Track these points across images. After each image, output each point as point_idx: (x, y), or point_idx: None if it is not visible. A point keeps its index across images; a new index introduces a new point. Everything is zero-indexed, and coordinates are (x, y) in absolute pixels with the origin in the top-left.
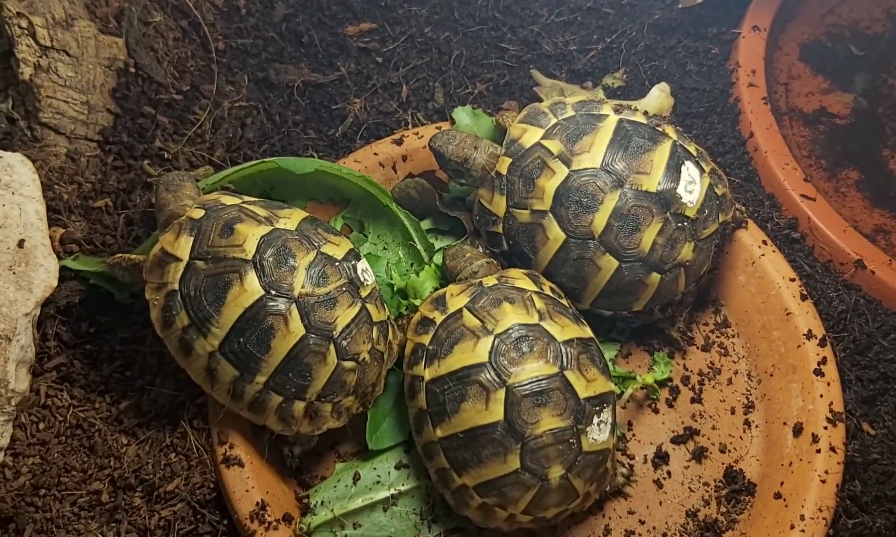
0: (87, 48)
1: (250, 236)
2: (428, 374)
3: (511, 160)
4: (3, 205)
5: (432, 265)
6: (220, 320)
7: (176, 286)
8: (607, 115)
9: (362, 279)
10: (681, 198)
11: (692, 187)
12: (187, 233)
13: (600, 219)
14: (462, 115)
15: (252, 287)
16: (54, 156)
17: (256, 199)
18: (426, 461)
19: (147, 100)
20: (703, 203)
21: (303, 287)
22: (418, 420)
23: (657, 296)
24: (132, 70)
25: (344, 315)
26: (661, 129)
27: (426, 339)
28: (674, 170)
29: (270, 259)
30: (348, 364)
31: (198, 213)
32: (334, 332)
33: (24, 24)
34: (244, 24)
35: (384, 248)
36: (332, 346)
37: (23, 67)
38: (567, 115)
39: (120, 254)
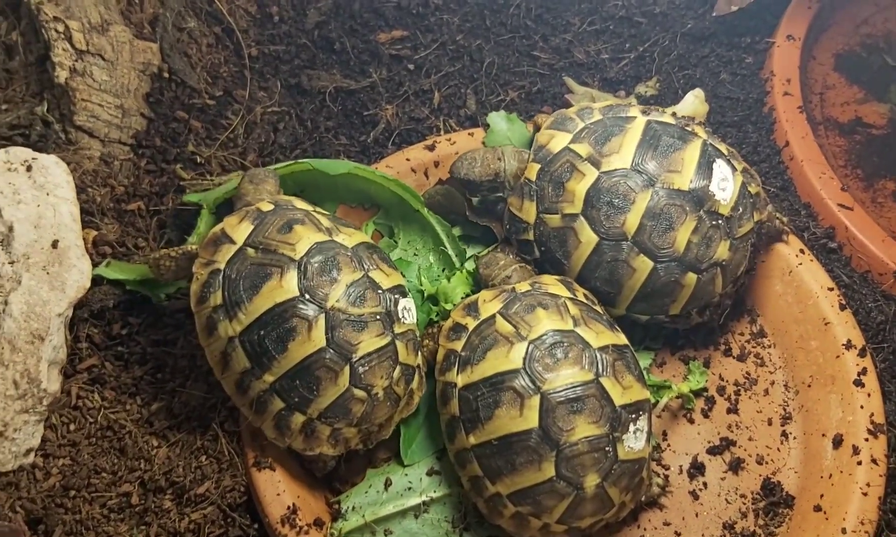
0: (122, 53)
1: (304, 238)
2: (461, 381)
3: (540, 166)
4: (38, 206)
5: (464, 271)
6: (249, 308)
7: (222, 266)
8: (635, 117)
9: (401, 315)
10: (714, 195)
11: (725, 185)
12: (249, 220)
13: (633, 220)
14: (497, 119)
15: (289, 285)
16: (88, 160)
17: (326, 212)
18: (458, 469)
19: (180, 104)
20: (736, 201)
21: (337, 301)
22: (451, 427)
23: (694, 298)
24: (166, 75)
25: (369, 342)
26: (690, 129)
27: (458, 345)
28: (705, 167)
29: (316, 265)
30: (359, 392)
31: (267, 207)
32: (354, 355)
33: (60, 28)
34: (277, 31)
35: (415, 254)
36: (347, 368)
37: (58, 71)
38: (594, 118)
39: (166, 249)
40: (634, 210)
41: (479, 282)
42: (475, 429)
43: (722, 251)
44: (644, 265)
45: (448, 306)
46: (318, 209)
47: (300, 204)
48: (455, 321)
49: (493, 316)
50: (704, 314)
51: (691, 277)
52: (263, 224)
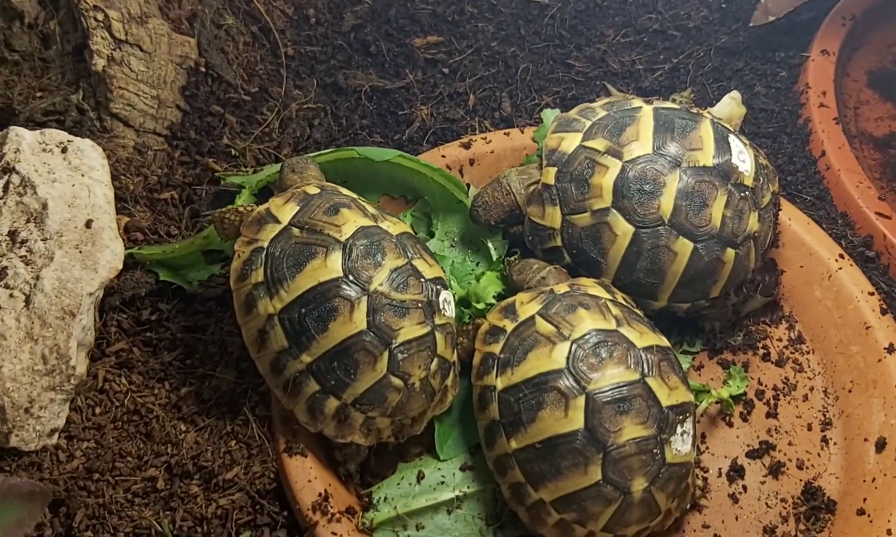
0: (160, 45)
1: (351, 221)
2: (500, 383)
3: (556, 168)
4: (73, 186)
5: (495, 271)
6: (291, 285)
7: (265, 244)
8: (641, 107)
9: (441, 306)
10: (737, 167)
11: (743, 156)
12: (295, 201)
13: (667, 202)
14: (550, 115)
15: (333, 265)
16: (122, 148)
17: (370, 201)
18: (498, 477)
19: (216, 99)
20: (756, 171)
21: (381, 284)
22: (490, 432)
23: (733, 275)
24: (202, 69)
25: (410, 329)
26: (695, 110)
27: (496, 348)
28: (722, 142)
29: (361, 248)
30: (396, 380)
31: (313, 190)
32: (393, 341)
33: (100, 16)
34: (313, 33)
35: (451, 246)
36: (386, 353)
37: (96, 59)
38: (599, 115)
39: (224, 208)
40: (667, 192)
41: (512, 287)
42: (517, 433)
43: (752, 223)
44: (685, 247)
45: (480, 306)
46: (363, 198)
47: (346, 190)
48: (492, 324)
49: (533, 317)
50: (740, 293)
51: (730, 253)
52: (309, 206)
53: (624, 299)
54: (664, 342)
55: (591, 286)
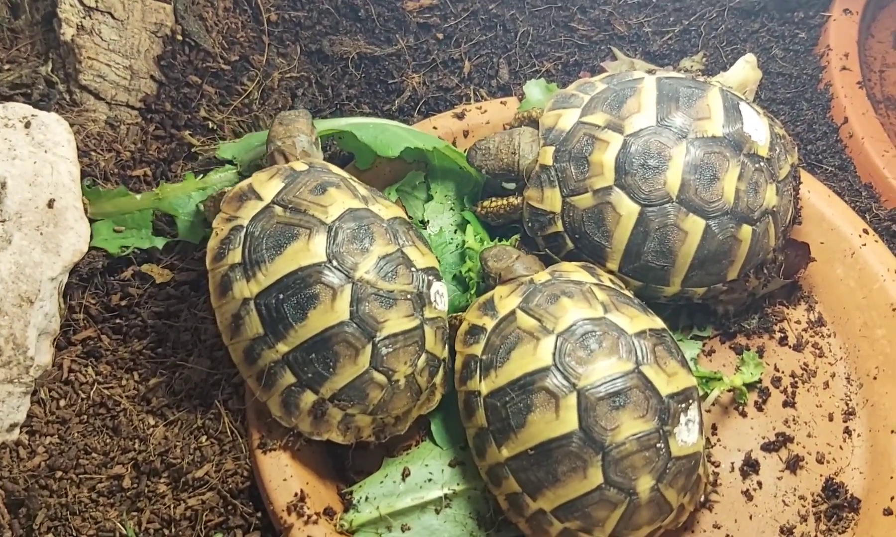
0: (133, 12)
1: (338, 202)
2: (485, 388)
3: (554, 148)
4: (35, 163)
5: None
6: (270, 268)
7: (245, 223)
8: (643, 77)
9: (433, 299)
10: (750, 136)
11: (756, 125)
12: (280, 178)
13: (673, 177)
14: (532, 88)
15: (316, 249)
16: (93, 122)
17: (361, 182)
18: (493, 488)
19: (193, 69)
20: (771, 141)
21: (366, 272)
22: (479, 441)
23: (751, 255)
24: (179, 37)
25: (396, 321)
26: (702, 79)
27: (478, 350)
28: (732, 110)
29: (348, 231)
30: (378, 376)
31: (300, 167)
32: (378, 334)
33: None
34: None
35: (451, 208)
36: (369, 346)
37: (65, 28)
38: (598, 89)
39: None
40: (673, 166)
41: (486, 279)
42: (507, 440)
43: (770, 196)
44: (696, 225)
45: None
46: (355, 178)
47: (336, 169)
48: (471, 323)
49: (513, 312)
50: (761, 275)
51: (746, 230)
52: (295, 183)
53: (611, 281)
54: (658, 323)
55: (573, 271)
